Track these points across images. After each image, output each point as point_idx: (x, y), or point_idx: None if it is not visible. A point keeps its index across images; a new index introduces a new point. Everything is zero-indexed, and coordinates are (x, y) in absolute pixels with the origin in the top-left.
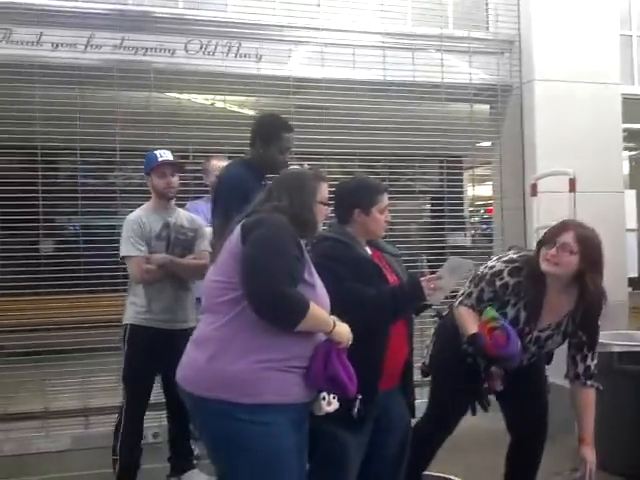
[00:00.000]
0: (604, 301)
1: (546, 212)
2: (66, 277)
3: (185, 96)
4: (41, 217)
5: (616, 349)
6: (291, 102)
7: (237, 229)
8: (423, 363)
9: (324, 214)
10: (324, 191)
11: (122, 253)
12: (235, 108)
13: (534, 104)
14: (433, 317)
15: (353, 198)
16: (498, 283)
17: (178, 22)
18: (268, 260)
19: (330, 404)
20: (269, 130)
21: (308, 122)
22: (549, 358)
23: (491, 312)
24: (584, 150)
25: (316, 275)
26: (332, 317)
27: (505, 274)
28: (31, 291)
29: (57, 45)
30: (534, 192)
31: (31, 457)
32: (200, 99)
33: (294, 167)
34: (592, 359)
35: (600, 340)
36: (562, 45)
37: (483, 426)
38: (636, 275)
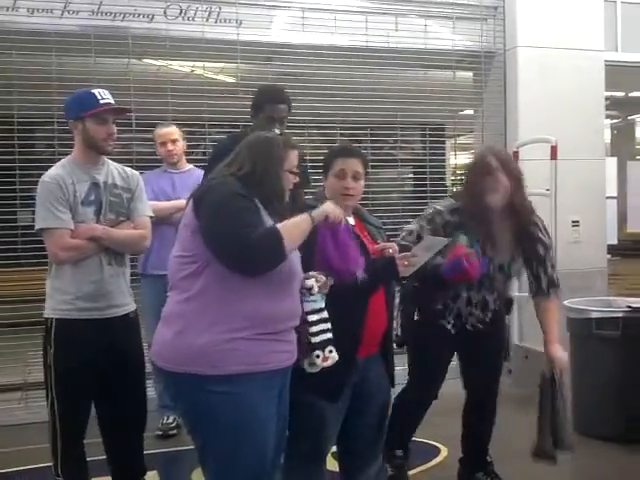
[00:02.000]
0: (535, 213)
1: (528, 180)
2: (44, 248)
3: (164, 62)
4: (18, 187)
5: (594, 315)
6: (271, 69)
7: (190, 201)
8: (395, 334)
9: (292, 182)
10: (293, 159)
11: (37, 225)
12: (215, 75)
13: (517, 71)
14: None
15: (323, 165)
16: (439, 220)
17: None
18: (225, 224)
19: (326, 359)
20: (256, 99)
21: (288, 89)
22: (508, 307)
23: (464, 238)
24: (566, 117)
25: None
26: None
27: (445, 213)
28: (10, 262)
29: (33, 10)
30: (516, 159)
31: (11, 428)
32: (179, 65)
33: (263, 132)
34: (553, 268)
35: (579, 306)
36: (546, 11)
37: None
38: (615, 242)
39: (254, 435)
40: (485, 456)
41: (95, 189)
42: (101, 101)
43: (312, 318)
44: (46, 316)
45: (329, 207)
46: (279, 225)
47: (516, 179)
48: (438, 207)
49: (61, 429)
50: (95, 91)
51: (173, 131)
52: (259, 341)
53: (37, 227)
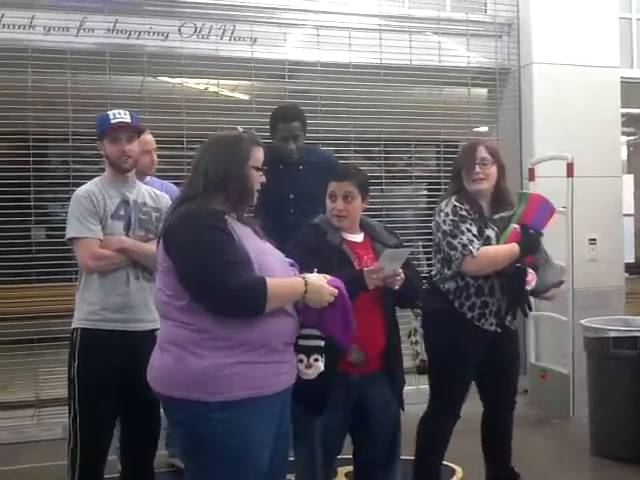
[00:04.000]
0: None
1: None
2: (58, 264)
3: (178, 80)
4: (33, 204)
5: (612, 334)
6: (286, 86)
7: (161, 238)
8: (421, 360)
9: (259, 181)
10: (259, 155)
11: (69, 234)
12: (229, 92)
13: (532, 88)
14: (416, 315)
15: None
16: (464, 212)
17: (171, 5)
18: (202, 267)
19: (309, 367)
20: (271, 121)
21: (303, 106)
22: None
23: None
24: (582, 134)
25: (262, 241)
26: (305, 276)
27: (457, 204)
28: (23, 279)
29: (49, 29)
30: (532, 177)
31: (24, 446)
32: (194, 83)
33: (224, 131)
34: None
35: (596, 325)
36: (561, 28)
37: (479, 412)
38: (633, 260)
39: (253, 460)
40: (511, 470)
41: (125, 205)
42: (113, 121)
43: None
44: (72, 327)
45: (325, 292)
46: (269, 280)
47: (501, 168)
48: (448, 207)
49: (82, 445)
50: (111, 112)
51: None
52: (261, 364)
53: (68, 236)
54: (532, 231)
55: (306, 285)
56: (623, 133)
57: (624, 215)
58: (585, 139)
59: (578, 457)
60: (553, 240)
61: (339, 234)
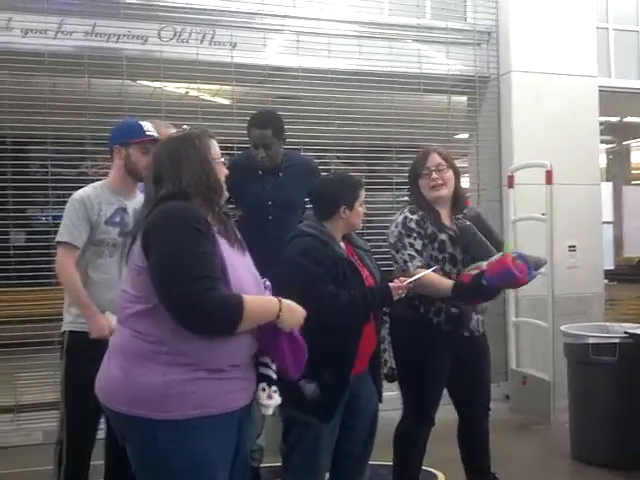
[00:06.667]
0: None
1: (523, 204)
2: (37, 269)
3: (158, 84)
4: (11, 207)
5: (592, 341)
6: (266, 91)
7: (139, 236)
8: (390, 367)
9: (224, 173)
10: (216, 148)
11: (57, 238)
12: (210, 97)
13: (511, 96)
14: (384, 322)
15: (339, 196)
16: (413, 225)
17: (151, 8)
18: (176, 276)
19: (271, 397)
20: (247, 126)
21: (283, 112)
22: None
23: (509, 245)
24: (561, 142)
25: (238, 254)
26: (274, 301)
27: (409, 215)
28: (1, 283)
29: (27, 31)
30: (511, 184)
31: (2, 451)
32: (173, 87)
33: (174, 133)
34: None
35: (576, 332)
36: (539, 37)
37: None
38: (612, 267)
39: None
40: (492, 476)
41: (121, 213)
42: (147, 132)
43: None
44: (62, 330)
45: (300, 314)
46: (246, 299)
47: (456, 172)
48: (400, 217)
49: (67, 446)
50: (141, 122)
51: None
52: (214, 381)
53: (55, 239)
54: (484, 282)
55: (280, 305)
56: (602, 141)
57: (603, 222)
58: (564, 147)
59: (558, 462)
60: (533, 247)
61: (339, 244)
